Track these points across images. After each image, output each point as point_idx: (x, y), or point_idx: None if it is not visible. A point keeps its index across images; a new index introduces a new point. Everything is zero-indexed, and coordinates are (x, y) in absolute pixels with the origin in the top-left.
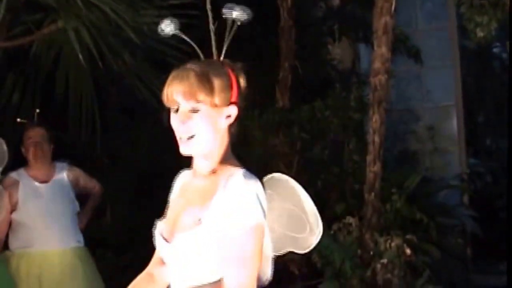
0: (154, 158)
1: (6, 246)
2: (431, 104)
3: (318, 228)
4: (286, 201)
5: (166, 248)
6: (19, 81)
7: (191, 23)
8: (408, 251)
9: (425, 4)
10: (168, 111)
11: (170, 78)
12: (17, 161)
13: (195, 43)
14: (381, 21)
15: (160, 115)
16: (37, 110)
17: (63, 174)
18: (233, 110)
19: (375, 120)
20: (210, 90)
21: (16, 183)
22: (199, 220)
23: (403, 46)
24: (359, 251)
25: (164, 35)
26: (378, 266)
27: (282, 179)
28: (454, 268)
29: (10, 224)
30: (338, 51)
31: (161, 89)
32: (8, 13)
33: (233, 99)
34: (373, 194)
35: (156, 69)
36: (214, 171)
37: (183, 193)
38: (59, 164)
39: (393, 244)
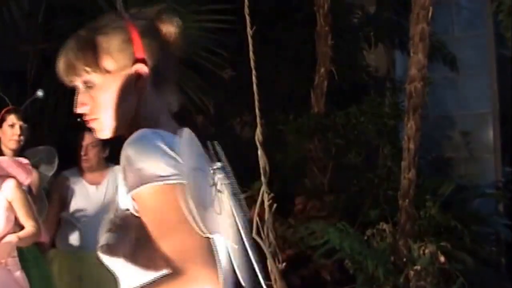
0: None
1: (53, 244)
2: (467, 111)
3: None
4: None
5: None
6: (54, 82)
7: (229, 27)
8: (442, 258)
9: (462, 11)
10: None
11: None
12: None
13: (233, 48)
14: (418, 28)
15: (195, 118)
16: None
17: (115, 178)
18: (141, 70)
19: (410, 126)
20: (94, 54)
21: (67, 183)
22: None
23: (439, 53)
24: (392, 258)
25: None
26: (411, 273)
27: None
28: (488, 276)
29: (59, 222)
30: (374, 57)
31: (197, 93)
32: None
33: (138, 54)
34: (407, 200)
35: (192, 73)
36: None
37: None
38: (116, 168)
39: (426, 251)
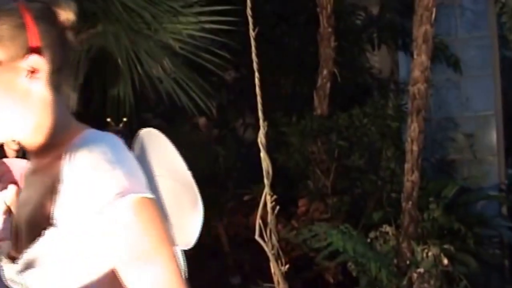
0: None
1: None
2: (470, 113)
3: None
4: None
5: (8, 271)
6: None
7: (232, 29)
8: (445, 261)
9: (465, 13)
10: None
11: None
12: None
13: (236, 49)
14: (421, 30)
15: (195, 119)
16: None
17: None
18: (36, 61)
19: (413, 129)
20: None
21: None
22: (50, 221)
23: (442, 54)
24: (395, 260)
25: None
26: (415, 275)
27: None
28: (491, 279)
29: None
30: (377, 59)
31: (199, 95)
32: None
33: (32, 43)
34: (410, 203)
35: (195, 75)
36: (49, 150)
37: (23, 188)
38: None
39: (430, 254)
